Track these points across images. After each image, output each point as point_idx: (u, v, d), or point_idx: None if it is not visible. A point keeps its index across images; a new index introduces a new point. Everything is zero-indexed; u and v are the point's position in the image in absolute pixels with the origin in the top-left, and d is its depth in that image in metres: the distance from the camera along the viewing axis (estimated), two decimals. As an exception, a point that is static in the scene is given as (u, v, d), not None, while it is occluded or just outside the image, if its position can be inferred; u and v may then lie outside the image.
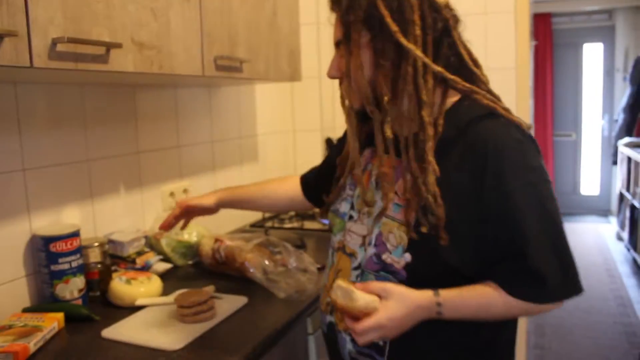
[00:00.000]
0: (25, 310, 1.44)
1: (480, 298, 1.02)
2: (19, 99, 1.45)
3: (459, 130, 1.01)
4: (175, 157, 2.05)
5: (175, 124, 2.04)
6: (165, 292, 1.58)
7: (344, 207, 1.21)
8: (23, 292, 1.48)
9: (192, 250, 1.89)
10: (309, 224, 2.34)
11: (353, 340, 1.11)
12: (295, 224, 2.36)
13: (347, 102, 1.12)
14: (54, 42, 1.08)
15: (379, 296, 1.01)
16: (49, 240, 1.45)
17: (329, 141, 2.72)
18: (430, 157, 0.99)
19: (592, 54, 6.73)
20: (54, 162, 1.56)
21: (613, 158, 5.99)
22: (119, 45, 1.22)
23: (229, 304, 1.50)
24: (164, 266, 1.81)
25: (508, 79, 2.43)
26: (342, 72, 1.08)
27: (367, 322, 0.99)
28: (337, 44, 1.09)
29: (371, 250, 1.09)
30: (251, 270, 1.64)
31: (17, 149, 1.45)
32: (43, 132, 1.53)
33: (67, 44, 1.10)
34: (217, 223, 2.22)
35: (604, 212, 6.81)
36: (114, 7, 1.23)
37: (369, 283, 1.04)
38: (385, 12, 0.99)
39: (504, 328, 1.13)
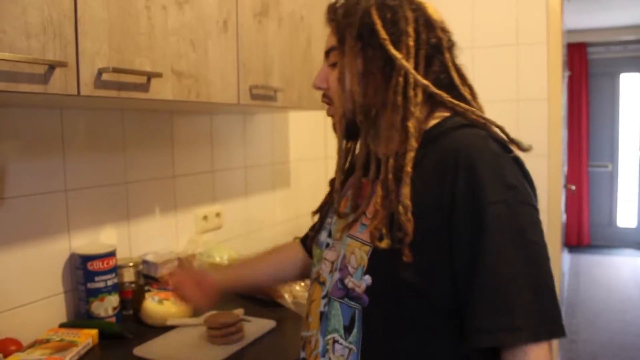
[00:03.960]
0: (62, 325, 1.49)
1: None
2: (64, 123, 1.53)
3: (431, 140, 0.95)
4: (210, 181, 2.11)
5: (210, 149, 2.10)
6: (195, 313, 1.61)
7: (323, 236, 1.13)
8: (60, 308, 1.53)
9: (222, 272, 1.92)
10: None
11: None
12: (325, 250, 2.37)
13: (338, 117, 1.06)
14: (100, 72, 1.14)
15: None
16: (86, 258, 1.51)
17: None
18: (409, 168, 0.92)
19: (629, 83, 6.65)
20: (94, 184, 1.63)
21: (651, 190, 5.87)
22: (159, 75, 1.29)
23: (257, 327, 1.52)
24: (195, 287, 1.85)
25: (540, 110, 2.43)
26: (328, 82, 1.07)
27: None
28: (328, 53, 1.07)
29: (336, 275, 1.01)
30: (281, 295, 1.67)
31: (60, 170, 1.53)
32: (85, 154, 1.60)
33: (112, 74, 1.17)
34: (247, 247, 2.27)
35: (642, 246, 6.66)
36: (155, 39, 1.29)
37: None
38: (377, 21, 0.98)
39: None
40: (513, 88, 2.45)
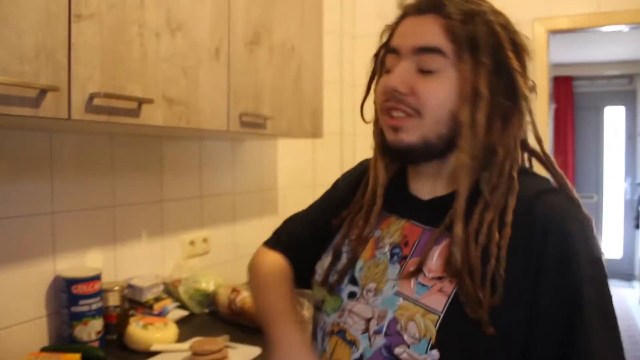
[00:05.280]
0: (44, 349, 1.47)
1: None
2: (53, 146, 1.53)
3: (524, 200, 0.82)
4: (197, 206, 2.12)
5: (198, 174, 2.11)
6: (180, 339, 1.61)
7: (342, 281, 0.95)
8: (42, 331, 1.52)
9: (208, 298, 1.92)
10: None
11: None
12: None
13: (394, 136, 0.86)
14: (91, 97, 1.16)
15: None
16: (71, 282, 1.50)
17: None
18: (510, 217, 0.80)
19: (614, 117, 6.76)
20: (81, 207, 1.63)
21: (635, 222, 5.93)
22: (150, 101, 1.30)
23: (242, 354, 1.51)
24: (181, 313, 1.84)
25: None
26: (414, 89, 0.83)
27: None
28: (417, 51, 0.84)
29: (380, 340, 0.84)
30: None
31: (48, 193, 1.53)
32: (73, 177, 1.60)
33: (103, 99, 1.18)
34: (233, 273, 2.26)
35: (627, 277, 6.66)
36: (147, 65, 1.31)
37: None
38: (506, 44, 0.82)
39: None
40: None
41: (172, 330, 1.61)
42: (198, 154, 2.10)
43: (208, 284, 1.93)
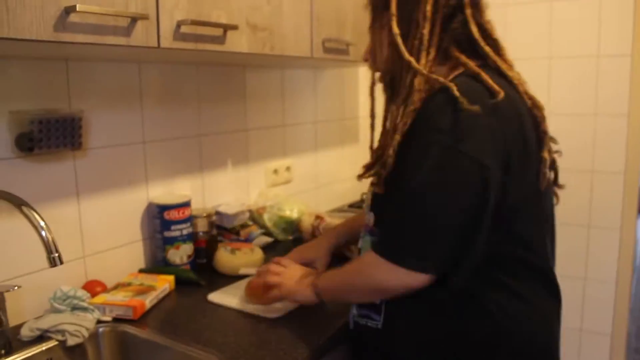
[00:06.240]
0: (141, 270, 1.57)
1: (348, 267, 1.14)
2: (142, 77, 1.57)
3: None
4: (280, 135, 2.13)
5: (281, 103, 2.11)
6: (266, 263, 1.65)
7: None
8: (139, 254, 1.61)
9: (292, 225, 1.96)
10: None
11: (356, 305, 1.20)
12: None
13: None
14: (179, 24, 1.16)
15: None
16: (163, 208, 1.57)
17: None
18: (406, 119, 1.02)
19: None
20: (169, 136, 1.67)
21: None
22: (235, 27, 1.30)
23: (326, 279, 1.54)
24: (266, 239, 1.90)
25: (622, 66, 2.30)
26: (368, 53, 1.17)
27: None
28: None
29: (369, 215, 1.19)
30: (349, 247, 1.68)
31: (139, 122, 1.57)
32: (161, 107, 1.64)
33: (190, 26, 1.19)
34: (316, 201, 2.29)
35: None
36: (231, -9, 1.30)
37: None
38: None
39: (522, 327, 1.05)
40: (594, 43, 2.33)
41: (258, 255, 1.66)
42: (280, 83, 2.10)
43: (292, 212, 1.97)
